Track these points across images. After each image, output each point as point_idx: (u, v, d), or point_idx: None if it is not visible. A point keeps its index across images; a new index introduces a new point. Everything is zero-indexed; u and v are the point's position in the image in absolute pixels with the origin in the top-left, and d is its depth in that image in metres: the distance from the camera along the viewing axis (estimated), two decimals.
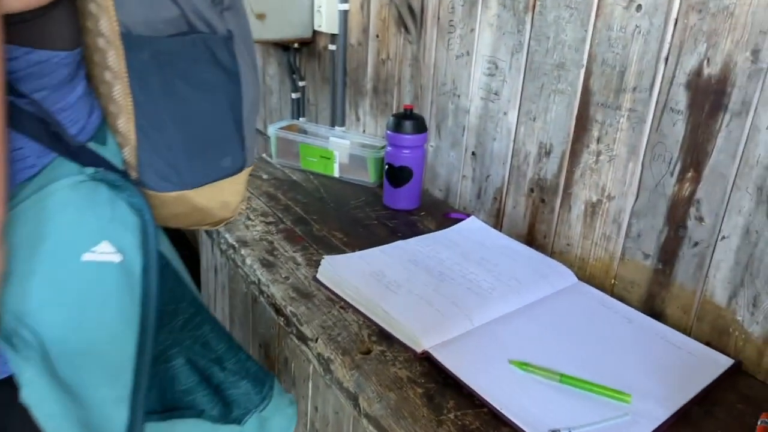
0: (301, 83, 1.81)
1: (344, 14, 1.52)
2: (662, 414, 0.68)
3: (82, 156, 0.68)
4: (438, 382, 0.71)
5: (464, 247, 1.01)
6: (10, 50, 0.59)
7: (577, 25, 0.92)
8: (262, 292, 0.93)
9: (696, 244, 0.81)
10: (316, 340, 0.78)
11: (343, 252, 1.00)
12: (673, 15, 0.80)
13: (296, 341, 0.84)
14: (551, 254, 1.02)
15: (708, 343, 0.81)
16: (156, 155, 0.73)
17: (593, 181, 0.94)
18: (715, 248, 0.79)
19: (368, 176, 1.36)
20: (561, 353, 0.77)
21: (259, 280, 0.93)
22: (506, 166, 1.10)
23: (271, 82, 2.04)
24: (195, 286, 0.87)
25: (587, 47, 0.91)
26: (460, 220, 1.15)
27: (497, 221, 1.15)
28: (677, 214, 0.83)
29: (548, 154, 1.01)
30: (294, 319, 0.83)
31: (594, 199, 0.94)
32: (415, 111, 1.24)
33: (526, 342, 0.78)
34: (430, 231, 1.11)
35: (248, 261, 0.97)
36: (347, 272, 0.88)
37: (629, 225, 0.90)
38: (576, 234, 0.98)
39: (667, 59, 0.81)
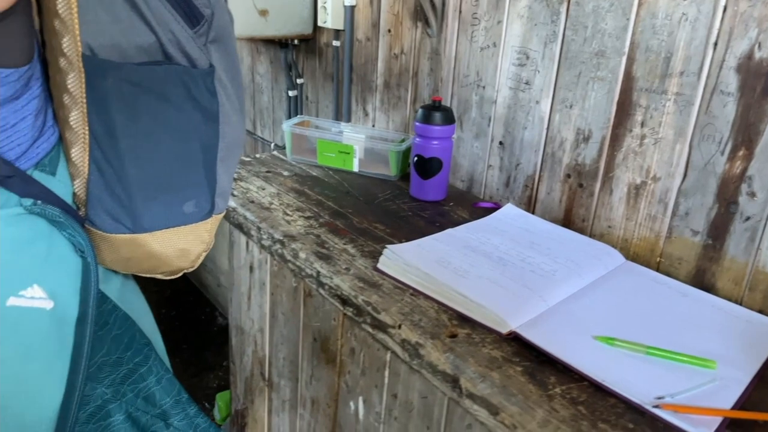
0: (299, 80, 1.80)
1: (351, 10, 1.52)
2: (745, 377, 0.72)
3: (20, 185, 0.61)
4: (532, 360, 0.73)
5: (511, 233, 1.03)
6: None
7: (618, 14, 0.96)
8: (322, 284, 0.92)
9: (748, 218, 0.86)
10: (399, 326, 0.79)
11: (391, 242, 1.00)
12: (722, 2, 0.84)
13: (370, 330, 0.84)
14: (591, 237, 1.06)
15: (761, 311, 0.86)
16: (108, 193, 0.66)
17: (637, 163, 0.98)
18: (767, 221, 0.84)
19: (389, 169, 1.36)
20: (632, 327, 0.80)
21: (318, 272, 0.92)
22: (539, 154, 1.13)
23: (262, 80, 2.01)
24: (154, 326, 0.82)
25: (629, 35, 0.95)
26: (491, 209, 1.17)
27: (528, 208, 1.17)
28: (728, 191, 0.87)
29: (586, 140, 1.04)
30: (368, 308, 0.83)
31: (638, 181, 0.98)
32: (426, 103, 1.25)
33: (599, 319, 0.81)
34: (465, 220, 1.12)
35: (302, 255, 0.96)
36: (413, 260, 0.88)
37: (676, 204, 0.94)
38: (618, 216, 1.02)
39: (716, 44, 0.86)
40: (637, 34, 0.94)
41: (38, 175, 0.64)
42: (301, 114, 1.84)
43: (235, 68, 0.72)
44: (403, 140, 1.38)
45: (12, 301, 0.60)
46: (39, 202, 0.62)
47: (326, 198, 1.20)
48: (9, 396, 0.62)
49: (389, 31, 1.43)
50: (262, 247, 1.07)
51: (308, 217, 1.10)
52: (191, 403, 0.81)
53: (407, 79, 1.41)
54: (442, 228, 1.06)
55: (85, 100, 0.62)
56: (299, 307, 1.02)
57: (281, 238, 1.01)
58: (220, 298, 2.53)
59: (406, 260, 0.89)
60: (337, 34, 1.59)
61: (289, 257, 0.99)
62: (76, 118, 0.64)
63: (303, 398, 1.07)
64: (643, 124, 0.96)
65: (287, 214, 1.10)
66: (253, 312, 1.17)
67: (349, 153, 1.39)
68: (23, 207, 0.61)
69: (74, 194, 0.68)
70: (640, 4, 0.93)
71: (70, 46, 0.60)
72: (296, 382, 1.08)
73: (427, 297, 0.85)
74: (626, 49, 0.96)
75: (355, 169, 1.38)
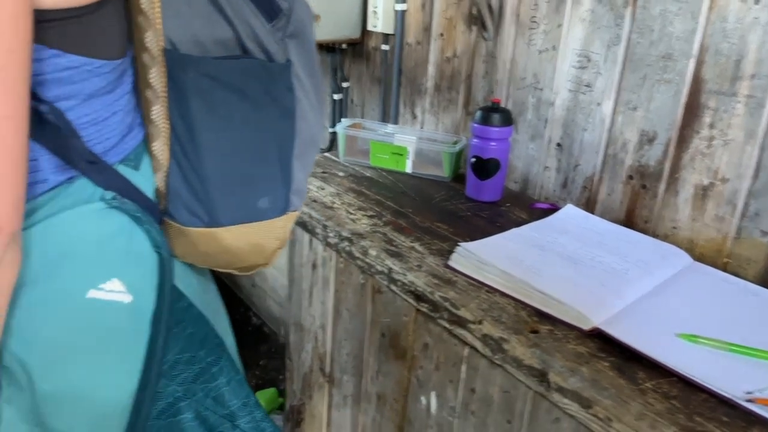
0: (344, 84, 1.82)
1: (402, 14, 1.54)
2: None
3: (105, 178, 0.63)
4: (617, 356, 0.74)
5: (576, 233, 1.04)
6: (36, 50, 0.53)
7: (687, 18, 0.97)
8: (394, 280, 0.94)
9: None
10: (480, 321, 0.80)
11: (455, 241, 1.01)
12: None
13: (447, 326, 0.85)
14: (654, 237, 1.07)
15: None
16: (186, 186, 0.67)
17: (704, 165, 0.99)
18: None
19: (441, 170, 1.38)
20: (708, 325, 0.80)
21: (390, 269, 0.94)
22: (599, 155, 1.15)
23: None
24: (227, 327, 0.83)
25: (698, 38, 0.96)
26: (549, 210, 1.18)
27: (587, 209, 1.18)
28: None
29: (651, 141, 1.05)
30: (446, 304, 0.85)
31: (705, 182, 0.99)
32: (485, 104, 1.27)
33: (675, 317, 0.82)
34: (524, 221, 1.14)
35: (372, 252, 0.98)
36: (487, 258, 0.90)
37: (746, 205, 0.95)
38: (684, 217, 1.03)
39: None
40: (706, 38, 0.95)
41: (123, 169, 0.65)
42: (345, 116, 1.87)
43: (313, 64, 0.72)
44: (455, 142, 1.40)
45: (92, 294, 0.61)
46: (120, 197, 0.64)
47: (385, 198, 1.22)
48: (85, 385, 0.64)
49: (441, 34, 1.45)
50: (328, 244, 1.10)
51: (371, 216, 1.12)
52: (259, 407, 0.81)
53: (459, 82, 1.43)
54: (503, 228, 1.08)
55: (166, 95, 0.64)
56: (367, 303, 1.04)
57: (349, 235, 1.03)
58: (255, 299, 2.56)
59: (480, 258, 0.90)
60: (386, 38, 1.61)
61: (357, 254, 1.01)
62: (158, 113, 0.65)
63: (368, 393, 1.08)
64: (711, 126, 0.97)
65: (351, 213, 1.13)
66: (315, 309, 1.19)
67: (402, 154, 1.41)
68: (106, 202, 0.63)
69: (155, 188, 0.70)
70: (710, 9, 0.94)
71: (153, 40, 0.62)
72: (360, 378, 1.10)
73: (503, 294, 0.86)
74: (695, 52, 0.97)
75: (408, 170, 1.40)
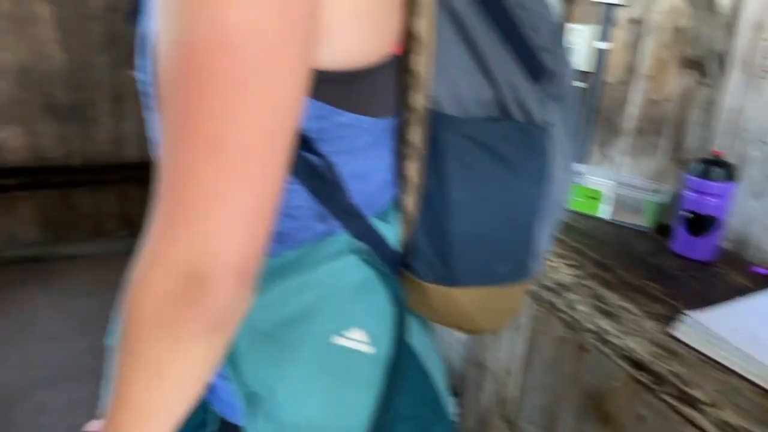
0: None
1: (603, 52, 1.48)
2: None
3: (361, 231, 0.64)
4: None
5: None
6: (322, 108, 0.55)
7: None
8: (606, 341, 0.89)
9: None
10: (715, 405, 0.74)
11: (672, 305, 0.95)
12: None
13: (673, 402, 0.79)
14: None
15: None
16: (430, 242, 0.66)
17: None
18: None
19: (640, 219, 1.30)
20: None
21: (601, 329, 0.90)
22: None
23: None
24: (444, 384, 0.81)
25: None
26: None
27: None
28: None
29: None
30: (672, 379, 0.79)
31: None
32: (705, 156, 1.17)
33: None
34: (745, 287, 1.04)
35: (581, 308, 0.94)
36: (720, 333, 0.83)
37: None
38: None
39: None
40: None
41: (375, 222, 0.66)
42: None
43: (573, 125, 0.71)
44: (656, 190, 1.31)
45: (337, 340, 0.63)
46: (372, 250, 0.65)
47: (583, 246, 1.18)
48: (322, 425, 0.66)
49: (650, 76, 1.37)
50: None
51: (572, 266, 1.08)
52: None
53: (667, 127, 1.34)
54: (724, 294, 0.99)
55: (424, 154, 0.64)
56: (567, 358, 1.01)
57: (552, 285, 1.00)
58: None
59: (712, 331, 0.83)
60: (584, 75, 1.56)
61: (562, 307, 0.98)
62: (413, 169, 0.65)
63: None
64: None
65: (550, 260, 1.09)
66: (501, 351, 1.18)
67: (596, 198, 1.35)
68: (359, 254, 0.64)
69: (400, 241, 0.71)
70: None
71: (417, 100, 0.62)
72: None
73: (739, 376, 0.79)
74: None
75: (603, 215, 1.34)
